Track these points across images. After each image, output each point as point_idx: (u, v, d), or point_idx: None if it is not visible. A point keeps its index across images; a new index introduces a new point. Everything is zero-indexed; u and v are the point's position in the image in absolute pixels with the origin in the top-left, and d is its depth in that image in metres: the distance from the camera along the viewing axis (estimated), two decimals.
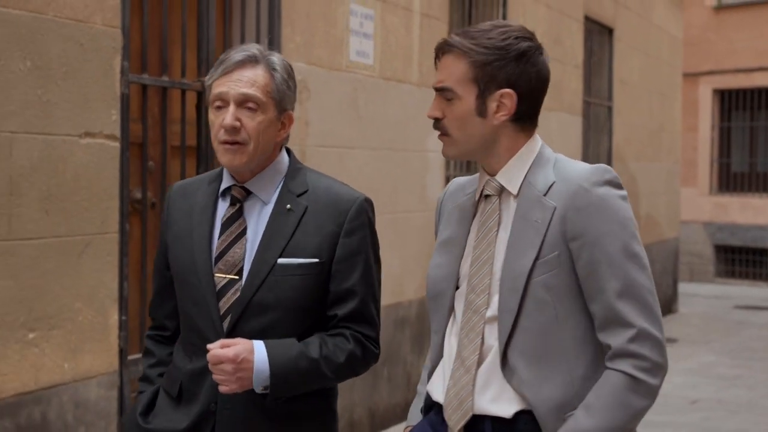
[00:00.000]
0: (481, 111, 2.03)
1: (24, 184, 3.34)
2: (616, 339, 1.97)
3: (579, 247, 1.98)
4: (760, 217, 15.58)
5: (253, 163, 2.21)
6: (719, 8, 16.09)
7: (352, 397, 5.35)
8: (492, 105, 2.03)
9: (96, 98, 3.62)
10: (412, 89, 5.87)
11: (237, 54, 2.21)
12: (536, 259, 1.99)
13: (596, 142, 9.54)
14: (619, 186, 2.01)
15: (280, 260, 2.19)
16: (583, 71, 8.93)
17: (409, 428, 2.23)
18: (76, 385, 3.55)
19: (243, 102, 2.17)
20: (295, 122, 4.80)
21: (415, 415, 2.25)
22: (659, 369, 1.97)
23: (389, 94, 5.64)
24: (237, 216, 2.24)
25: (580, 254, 1.98)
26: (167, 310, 2.37)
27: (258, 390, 2.15)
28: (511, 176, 2.08)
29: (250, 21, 4.60)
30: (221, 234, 2.24)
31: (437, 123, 2.08)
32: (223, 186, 2.28)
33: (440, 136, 2.09)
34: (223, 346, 2.11)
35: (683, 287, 13.29)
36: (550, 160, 2.08)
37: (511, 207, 2.08)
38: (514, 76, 2.01)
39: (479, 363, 2.04)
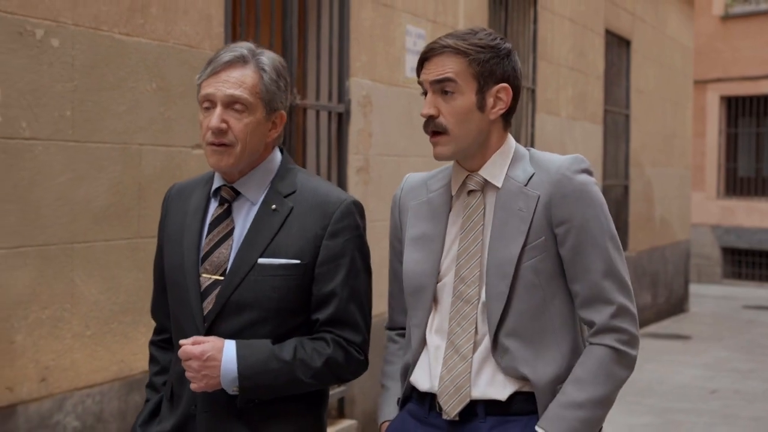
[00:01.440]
0: (481, 106, 2.11)
1: (149, 190, 3.84)
2: (599, 315, 2.07)
3: (565, 232, 2.08)
4: (766, 221, 16.06)
5: (241, 164, 2.17)
6: (726, 18, 16.55)
7: None
8: (490, 100, 2.12)
9: None
10: None
11: (226, 54, 2.17)
12: (524, 245, 2.07)
13: (615, 149, 10.04)
14: (592, 173, 2.13)
15: (261, 260, 2.14)
16: (604, 81, 9.43)
17: (387, 423, 2.27)
18: None
19: (230, 103, 2.12)
20: (360, 133, 5.32)
21: (389, 409, 2.29)
22: (636, 341, 2.10)
23: None
24: (225, 216, 2.21)
25: (566, 238, 2.08)
26: (167, 310, 2.34)
27: (230, 391, 2.12)
28: (494, 171, 2.15)
29: (323, 42, 5.10)
30: (208, 234, 2.21)
31: (430, 122, 2.10)
32: (214, 186, 2.25)
33: (434, 136, 2.12)
34: (194, 343, 2.10)
35: (692, 288, 13.75)
36: (525, 155, 2.18)
37: (493, 200, 2.15)
38: (508, 72, 2.14)
39: (474, 349, 2.10)
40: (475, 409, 2.10)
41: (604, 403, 2.05)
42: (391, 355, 2.35)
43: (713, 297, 13.90)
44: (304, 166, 4.98)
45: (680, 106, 12.19)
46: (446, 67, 2.09)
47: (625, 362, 2.08)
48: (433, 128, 2.10)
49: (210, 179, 2.29)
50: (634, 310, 2.10)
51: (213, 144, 2.14)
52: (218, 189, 2.24)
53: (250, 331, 2.15)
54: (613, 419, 5.97)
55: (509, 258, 2.08)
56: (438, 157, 2.13)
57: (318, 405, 2.26)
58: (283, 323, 2.17)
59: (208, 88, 2.15)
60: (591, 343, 2.08)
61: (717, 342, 9.91)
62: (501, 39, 2.15)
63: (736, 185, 16.79)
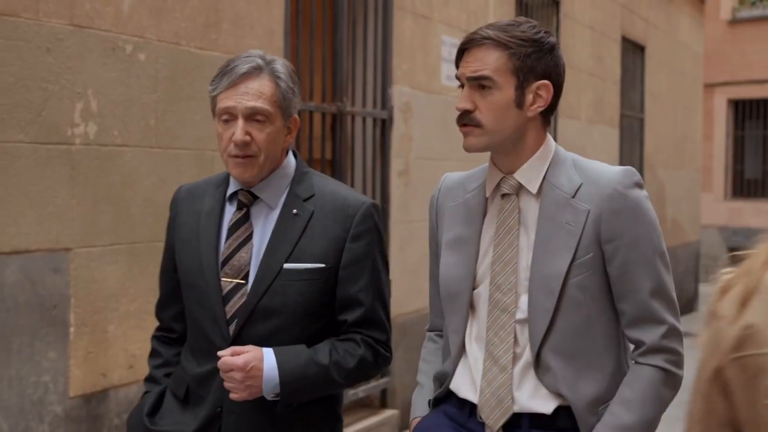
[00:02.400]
0: (520, 102, 2.01)
1: None
2: (649, 335, 2.00)
3: (614, 249, 1.99)
4: None
5: (263, 172, 2.20)
6: (734, 22, 16.85)
7: None
8: (529, 97, 2.02)
9: None
10: None
11: (242, 65, 2.16)
12: (572, 261, 1.99)
13: (630, 151, 10.34)
14: (643, 187, 2.05)
15: (286, 265, 2.17)
16: (620, 86, 9.74)
17: (418, 419, 2.23)
18: None
19: (252, 115, 2.13)
20: (401, 138, 5.63)
21: (422, 406, 2.24)
22: (683, 361, 2.04)
23: None
24: (243, 221, 2.23)
25: (615, 255, 1.99)
26: (174, 312, 2.37)
27: (268, 397, 2.14)
28: (530, 175, 2.06)
29: (369, 53, 5.40)
30: (227, 238, 2.23)
31: (465, 116, 2.02)
32: (230, 190, 2.26)
33: (467, 128, 2.03)
34: (234, 354, 2.11)
35: (700, 288, 14.02)
36: (567, 160, 2.08)
37: (532, 207, 2.06)
38: (550, 68, 2.03)
39: (514, 361, 2.04)
40: (519, 421, 2.04)
41: (652, 425, 2.01)
42: (429, 354, 2.31)
43: None
44: (351, 170, 5.29)
45: (691, 110, 12.49)
46: (484, 61, 2.00)
47: (673, 383, 2.02)
48: (467, 122, 2.02)
49: (222, 182, 2.31)
50: (682, 329, 2.06)
51: (237, 156, 2.15)
52: (235, 193, 2.26)
53: (278, 336, 2.18)
54: None
55: (556, 273, 2.00)
56: (468, 149, 2.05)
57: (338, 403, 2.33)
58: (309, 326, 2.21)
59: (228, 101, 2.15)
60: (639, 363, 2.02)
61: None
62: (545, 32, 2.05)
63: (743, 187, 17.10)
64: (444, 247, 2.16)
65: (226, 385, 2.12)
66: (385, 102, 5.48)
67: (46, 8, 3.28)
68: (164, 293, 2.41)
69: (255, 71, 2.15)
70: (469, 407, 2.10)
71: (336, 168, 5.11)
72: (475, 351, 2.10)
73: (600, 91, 9.11)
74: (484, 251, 2.10)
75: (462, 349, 2.13)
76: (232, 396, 2.12)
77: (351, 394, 5.19)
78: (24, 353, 3.24)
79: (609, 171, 2.04)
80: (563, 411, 2.02)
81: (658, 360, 2.00)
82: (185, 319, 2.33)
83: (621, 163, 9.98)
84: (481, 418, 2.07)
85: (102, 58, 3.52)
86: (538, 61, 2.01)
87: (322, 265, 2.18)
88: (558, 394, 2.02)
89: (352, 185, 5.26)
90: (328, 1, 5.04)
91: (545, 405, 2.02)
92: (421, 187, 5.81)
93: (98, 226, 3.53)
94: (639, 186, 2.03)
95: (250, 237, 2.21)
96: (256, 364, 2.10)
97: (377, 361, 2.25)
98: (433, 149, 5.98)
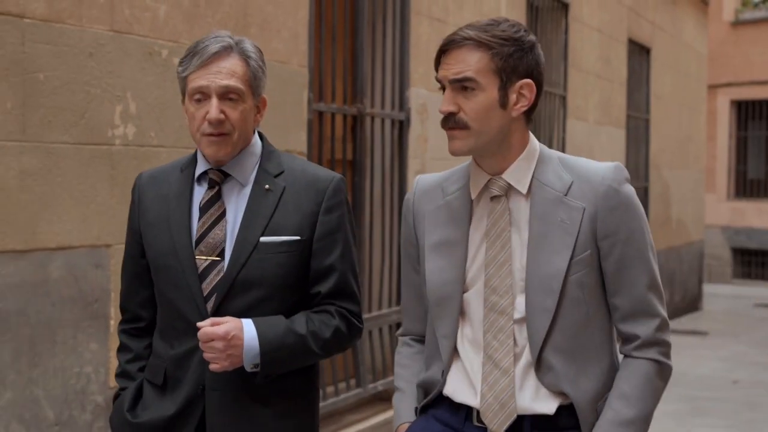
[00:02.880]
0: (503, 103, 1.99)
1: None
2: (643, 328, 2.03)
3: (610, 245, 2.01)
4: None
5: (236, 151, 2.21)
6: (737, 24, 17.00)
7: None
8: (512, 96, 2.00)
9: (292, 123, 4.57)
10: None
11: (212, 45, 2.18)
12: (571, 258, 1.99)
13: (635, 152, 10.49)
14: (630, 181, 2.07)
15: (263, 238, 2.19)
16: (626, 88, 9.89)
17: (406, 425, 2.19)
18: None
19: (225, 94, 2.15)
20: (418, 139, 5.77)
21: (407, 412, 2.21)
22: (670, 351, 2.08)
23: None
24: (216, 199, 2.24)
25: (611, 251, 2.01)
26: (141, 298, 2.36)
27: (248, 368, 2.15)
28: (519, 176, 2.05)
29: (388, 57, 5.55)
30: (200, 217, 2.24)
31: (450, 118, 2.01)
32: (199, 171, 2.27)
33: (453, 131, 2.02)
34: (213, 324, 2.11)
35: (703, 287, 14.16)
36: (552, 158, 2.08)
37: (522, 207, 2.06)
38: (532, 67, 2.02)
39: (514, 363, 2.03)
40: (521, 423, 2.04)
41: (650, 418, 2.05)
42: (406, 358, 2.29)
43: (725, 296, 14.30)
44: (371, 170, 5.43)
45: (695, 111, 12.63)
46: (467, 62, 1.97)
47: (665, 374, 2.07)
48: (452, 125, 2.01)
49: (187, 164, 2.32)
50: (668, 319, 2.09)
51: (212, 135, 2.18)
52: (204, 173, 2.27)
53: (258, 309, 2.19)
54: None
55: (555, 273, 2.01)
56: (454, 153, 2.05)
57: (316, 375, 2.36)
58: (287, 299, 2.23)
59: (200, 81, 2.17)
60: (633, 357, 2.05)
61: (733, 338, 10.35)
62: (525, 31, 2.03)
63: (746, 187, 17.25)
64: (428, 251, 2.14)
65: (206, 356, 2.12)
66: (402, 104, 5.63)
67: (89, 14, 3.43)
68: (129, 280, 2.39)
69: (225, 50, 2.18)
70: (465, 411, 2.09)
71: (356, 168, 5.25)
72: (470, 354, 2.09)
73: (607, 93, 9.26)
74: (473, 254, 2.09)
75: (454, 354, 2.12)
76: (213, 367, 2.13)
77: (370, 387, 5.34)
78: (68, 345, 3.39)
79: (600, 168, 2.05)
80: (564, 410, 2.03)
81: (653, 353, 2.03)
82: (153, 304, 2.34)
83: (627, 164, 10.13)
84: (479, 422, 2.07)
85: (140, 63, 3.66)
86: (520, 60, 2.00)
87: (298, 238, 2.21)
88: (558, 394, 2.03)
89: (372, 185, 5.40)
90: (349, 7, 5.19)
91: (547, 406, 2.03)
92: None
93: None
94: (628, 181, 2.06)
95: (223, 214, 2.24)
96: (237, 333, 2.11)
97: (351, 332, 2.28)
98: (447, 150, 6.11)
